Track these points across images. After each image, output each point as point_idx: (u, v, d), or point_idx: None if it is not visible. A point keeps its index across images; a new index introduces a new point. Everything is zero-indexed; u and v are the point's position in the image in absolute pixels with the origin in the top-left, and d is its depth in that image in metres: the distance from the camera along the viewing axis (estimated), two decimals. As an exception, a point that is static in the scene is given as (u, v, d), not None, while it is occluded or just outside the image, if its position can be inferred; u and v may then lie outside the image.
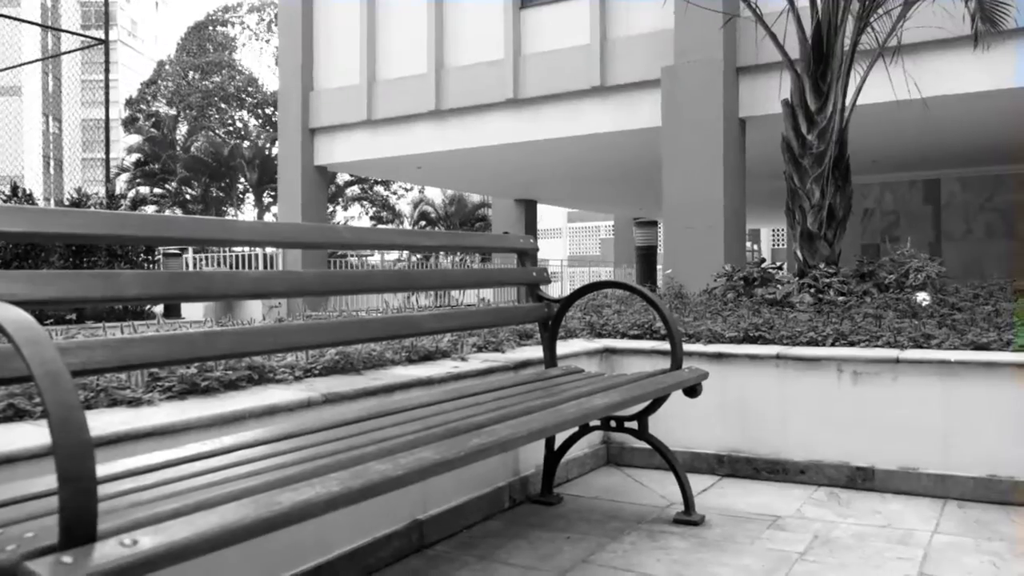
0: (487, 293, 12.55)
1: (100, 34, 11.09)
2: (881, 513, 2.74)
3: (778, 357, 3.17)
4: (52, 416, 0.96)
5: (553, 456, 2.88)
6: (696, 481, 2.98)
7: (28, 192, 8.97)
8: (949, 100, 7.30)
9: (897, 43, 5.10)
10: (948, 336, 3.14)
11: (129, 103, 36.30)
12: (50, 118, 38.20)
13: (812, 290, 4.32)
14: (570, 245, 40.04)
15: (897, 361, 2.97)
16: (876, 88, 5.32)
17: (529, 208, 15.58)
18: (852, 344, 3.23)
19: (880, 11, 5.05)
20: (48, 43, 21.55)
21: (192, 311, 10.21)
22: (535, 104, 9.66)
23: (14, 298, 1.27)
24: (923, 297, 3.88)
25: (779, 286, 4.54)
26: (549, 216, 35.25)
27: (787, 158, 5.02)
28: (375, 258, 16.08)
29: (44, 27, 20.17)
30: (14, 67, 13.30)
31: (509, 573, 2.22)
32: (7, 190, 8.78)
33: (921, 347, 3.12)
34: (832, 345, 3.25)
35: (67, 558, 0.94)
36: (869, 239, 12.36)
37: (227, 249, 13.25)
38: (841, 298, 4.14)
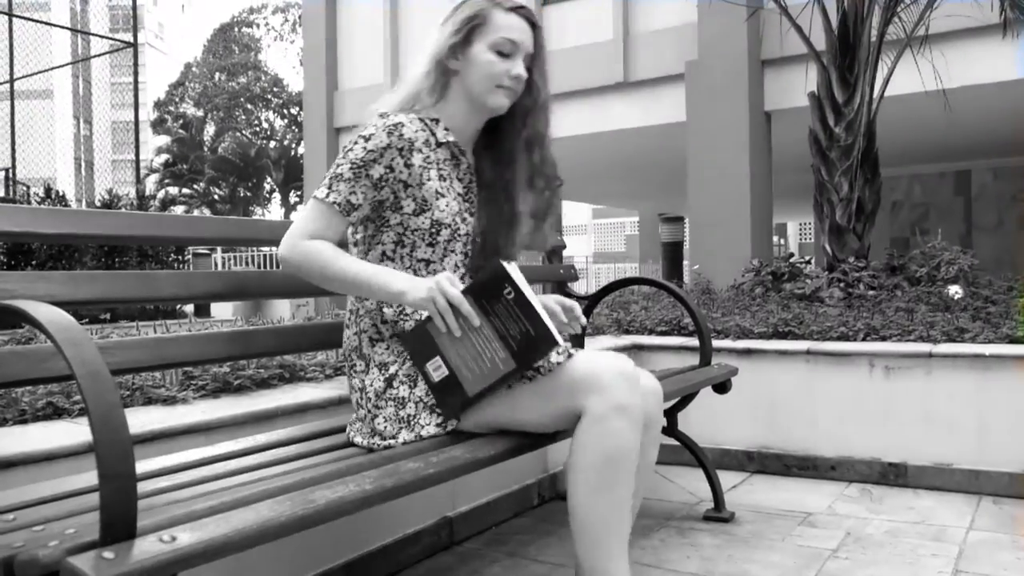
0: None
1: (128, 37, 11.25)
2: (914, 509, 2.71)
3: (808, 352, 3.15)
4: (93, 414, 0.98)
5: (581, 453, 2.87)
6: (725, 478, 2.96)
7: (61, 194, 9.11)
8: (979, 89, 7.18)
9: (925, 33, 5.03)
10: (982, 330, 3.10)
11: (157, 105, 36.76)
12: (80, 120, 38.77)
13: (842, 284, 4.28)
14: (595, 242, 39.95)
15: (930, 355, 2.94)
16: (904, 79, 5.24)
17: (554, 204, 15.54)
18: (884, 338, 3.19)
19: (907, 0, 4.98)
20: (78, 47, 21.88)
21: (221, 310, 10.33)
22: (559, 100, 9.44)
23: (54, 298, 1.29)
24: (955, 290, 3.83)
25: (808, 281, 4.50)
26: (574, 213, 35.19)
27: (814, 151, 4.97)
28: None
29: (74, 31, 20.47)
30: (45, 71, 13.52)
31: (538, 570, 2.23)
32: (41, 192, 8.92)
33: (955, 341, 3.08)
34: (863, 340, 3.21)
35: (108, 554, 0.96)
36: (898, 232, 12.19)
37: (255, 248, 13.38)
38: (871, 292, 4.09)
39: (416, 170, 1.64)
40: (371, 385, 1.63)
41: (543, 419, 1.60)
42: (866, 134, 4.82)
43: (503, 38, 1.67)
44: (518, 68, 1.69)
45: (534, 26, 1.73)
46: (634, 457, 1.53)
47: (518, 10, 1.71)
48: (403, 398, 1.59)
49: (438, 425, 1.58)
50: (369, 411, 1.63)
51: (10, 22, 11.40)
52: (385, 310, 1.65)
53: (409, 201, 1.64)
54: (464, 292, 1.45)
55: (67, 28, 20.17)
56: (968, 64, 6.86)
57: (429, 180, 1.65)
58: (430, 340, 1.47)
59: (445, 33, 1.69)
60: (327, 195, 1.59)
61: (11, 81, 11.43)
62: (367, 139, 1.62)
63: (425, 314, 1.51)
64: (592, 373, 1.53)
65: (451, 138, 1.72)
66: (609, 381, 1.50)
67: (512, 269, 1.45)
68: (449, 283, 1.45)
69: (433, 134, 1.70)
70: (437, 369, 1.47)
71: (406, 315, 1.64)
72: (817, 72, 5.02)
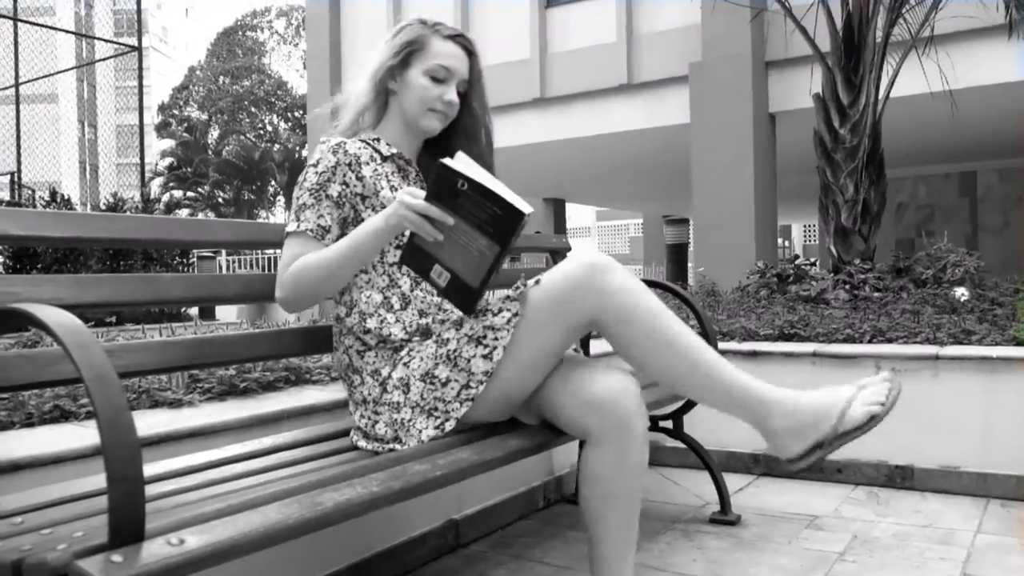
0: (516, 292, 12.50)
1: (133, 41, 11.27)
2: (921, 512, 2.70)
3: (814, 355, 3.14)
4: (101, 418, 0.98)
5: (587, 455, 2.87)
6: (732, 480, 2.95)
7: (67, 197, 9.13)
8: (984, 91, 7.17)
9: (930, 34, 5.02)
10: (989, 332, 3.09)
11: (162, 108, 36.90)
12: (85, 124, 38.90)
13: (847, 286, 4.27)
14: (599, 244, 39.94)
15: (937, 358, 2.93)
16: (909, 80, 5.24)
17: (558, 207, 15.56)
18: (890, 341, 3.18)
19: (912, 1, 4.98)
20: (82, 51, 21.95)
21: (226, 313, 10.34)
22: (562, 103, 9.64)
23: (61, 302, 1.30)
24: (962, 292, 3.82)
25: (813, 283, 4.50)
26: (578, 215, 35.18)
27: (819, 153, 4.96)
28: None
29: (78, 35, 20.52)
30: (50, 75, 13.56)
31: (544, 572, 2.23)
32: (46, 195, 8.94)
33: (961, 343, 3.07)
34: (869, 342, 3.21)
35: (117, 557, 0.96)
36: (904, 233, 12.17)
37: (259, 251, 13.41)
38: (877, 294, 4.08)
39: (368, 181, 1.71)
40: (369, 394, 1.65)
41: (558, 337, 1.57)
42: (871, 135, 4.82)
43: (438, 65, 1.75)
44: (450, 94, 1.76)
45: (471, 54, 1.81)
46: (644, 289, 1.58)
47: (456, 38, 1.79)
48: (397, 403, 1.61)
49: (436, 428, 1.58)
50: (370, 419, 1.65)
51: (15, 27, 11.44)
52: (367, 322, 1.67)
53: (369, 212, 1.70)
54: (426, 199, 1.47)
55: (72, 32, 20.24)
56: (973, 65, 6.85)
57: (383, 189, 1.72)
58: (423, 252, 1.52)
59: (385, 55, 1.78)
60: (298, 226, 1.66)
61: (16, 85, 11.48)
62: (316, 165, 1.70)
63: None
64: (568, 288, 1.54)
65: (395, 150, 1.79)
66: (593, 281, 1.53)
67: (455, 161, 1.47)
68: (411, 196, 1.49)
69: (377, 151, 1.78)
70: (440, 276, 1.52)
71: (386, 321, 1.66)
72: (822, 73, 5.02)
